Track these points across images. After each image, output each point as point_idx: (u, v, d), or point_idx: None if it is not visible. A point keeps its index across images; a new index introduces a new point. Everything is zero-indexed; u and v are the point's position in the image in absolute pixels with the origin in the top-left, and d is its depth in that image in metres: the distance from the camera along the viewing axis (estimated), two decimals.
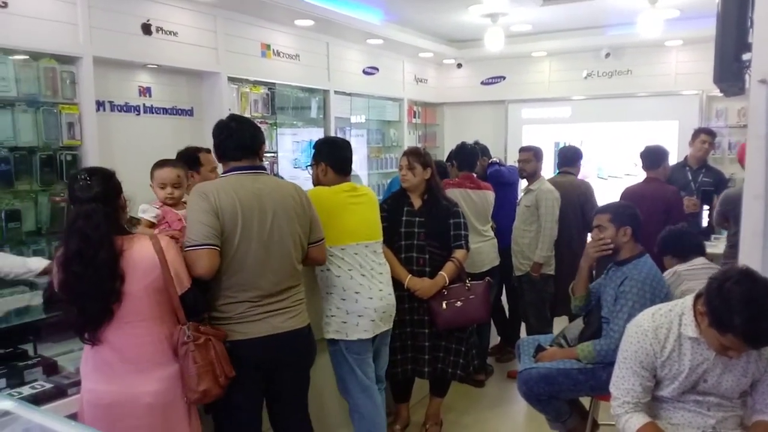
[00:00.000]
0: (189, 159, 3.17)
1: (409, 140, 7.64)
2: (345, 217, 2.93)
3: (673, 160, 4.92)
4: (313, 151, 3.15)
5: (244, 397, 2.38)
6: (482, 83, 8.03)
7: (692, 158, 4.93)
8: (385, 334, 3.13)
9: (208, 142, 3.93)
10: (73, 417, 2.13)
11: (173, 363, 2.16)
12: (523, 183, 4.63)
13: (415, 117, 7.91)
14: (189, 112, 4.86)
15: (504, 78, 7.88)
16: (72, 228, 2.03)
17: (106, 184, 2.10)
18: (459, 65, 8.03)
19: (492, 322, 4.67)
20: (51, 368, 2.38)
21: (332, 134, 6.06)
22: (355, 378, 2.98)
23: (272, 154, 5.54)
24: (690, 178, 4.83)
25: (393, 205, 3.48)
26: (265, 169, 2.55)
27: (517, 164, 4.64)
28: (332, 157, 3.03)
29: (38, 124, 3.68)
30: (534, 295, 4.37)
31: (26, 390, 2.20)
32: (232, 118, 2.61)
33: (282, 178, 4.75)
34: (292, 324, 2.44)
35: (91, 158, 3.84)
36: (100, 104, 4.07)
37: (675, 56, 6.88)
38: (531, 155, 4.42)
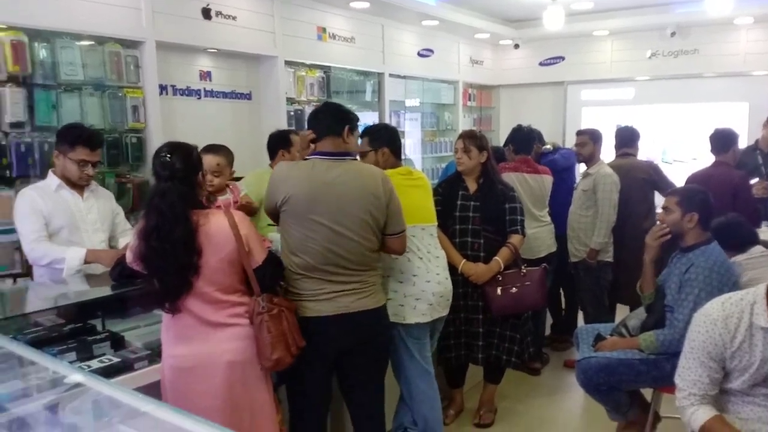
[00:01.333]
0: (281, 139, 3.56)
1: (464, 123, 7.54)
2: (402, 199, 2.89)
3: (743, 143, 4.68)
4: (366, 137, 3.14)
5: (311, 372, 2.47)
6: (540, 64, 7.83)
7: (764, 141, 4.68)
8: (440, 321, 3.11)
9: (265, 125, 4.00)
10: (140, 390, 2.19)
11: (248, 327, 2.26)
12: (580, 166, 4.51)
13: (470, 100, 7.80)
14: (247, 96, 4.92)
15: (563, 58, 7.66)
16: (150, 204, 2.13)
17: (186, 160, 2.19)
18: (516, 46, 7.84)
19: (548, 309, 4.59)
20: (118, 343, 2.45)
21: (387, 118, 6.05)
22: (413, 362, 2.97)
23: None
24: (761, 162, 4.59)
25: (448, 188, 3.45)
26: (350, 155, 2.59)
27: (574, 148, 4.51)
28: (393, 142, 3.07)
29: (104, 107, 3.80)
30: (591, 282, 4.26)
31: (95, 363, 2.26)
32: (324, 103, 2.77)
33: None
34: (361, 304, 2.50)
35: (155, 140, 3.92)
36: (162, 88, 4.18)
37: (745, 35, 6.53)
38: (587, 138, 4.30)
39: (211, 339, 2.21)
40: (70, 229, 2.88)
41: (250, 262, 2.25)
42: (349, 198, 2.45)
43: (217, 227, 2.19)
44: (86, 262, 2.81)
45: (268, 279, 2.31)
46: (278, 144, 3.55)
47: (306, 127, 2.71)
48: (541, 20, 6.14)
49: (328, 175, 2.45)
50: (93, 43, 3.78)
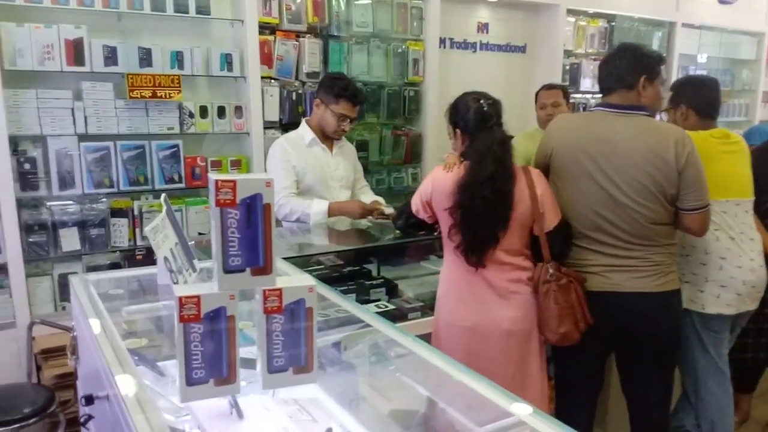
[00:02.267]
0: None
1: (765, 84, 6.35)
2: (713, 168, 2.43)
3: None
4: (669, 92, 2.72)
5: (582, 351, 2.22)
6: None
7: None
8: (745, 315, 2.62)
9: (538, 80, 3.73)
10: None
11: (530, 295, 2.14)
12: None
13: None
14: (521, 49, 4.68)
15: None
16: (488, 152, 2.04)
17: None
18: None
19: None
20: (393, 290, 2.49)
21: (674, 74, 5.32)
22: (706, 358, 2.57)
23: None
24: None
25: (762, 158, 2.85)
26: (642, 109, 2.22)
27: None
28: (696, 99, 2.59)
29: (388, 60, 3.88)
30: None
31: (372, 308, 2.28)
32: (619, 46, 2.37)
33: None
34: (637, 285, 2.17)
35: (431, 95, 3.95)
36: (441, 41, 4.13)
37: None
38: None
39: (490, 302, 2.13)
40: (320, 186, 2.91)
41: (542, 224, 2.09)
42: (628, 157, 2.12)
43: (517, 185, 2.09)
44: (330, 215, 2.82)
45: (558, 245, 2.14)
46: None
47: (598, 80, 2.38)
48: None
49: (606, 129, 2.17)
50: None
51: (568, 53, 4.80)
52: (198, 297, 1.09)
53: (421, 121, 4.06)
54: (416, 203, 2.25)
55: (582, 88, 4.87)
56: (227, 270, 1.12)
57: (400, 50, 3.91)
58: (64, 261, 3.02)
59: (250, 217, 1.09)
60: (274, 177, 2.89)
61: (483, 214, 2.03)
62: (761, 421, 3.18)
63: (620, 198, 2.13)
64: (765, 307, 2.79)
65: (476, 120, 2.09)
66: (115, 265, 3.06)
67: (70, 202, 3.02)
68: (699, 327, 2.52)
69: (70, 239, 2.98)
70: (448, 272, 2.21)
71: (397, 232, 2.71)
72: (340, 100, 2.83)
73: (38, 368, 2.72)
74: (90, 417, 1.40)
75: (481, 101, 2.11)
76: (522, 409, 1.19)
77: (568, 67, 4.72)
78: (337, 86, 2.84)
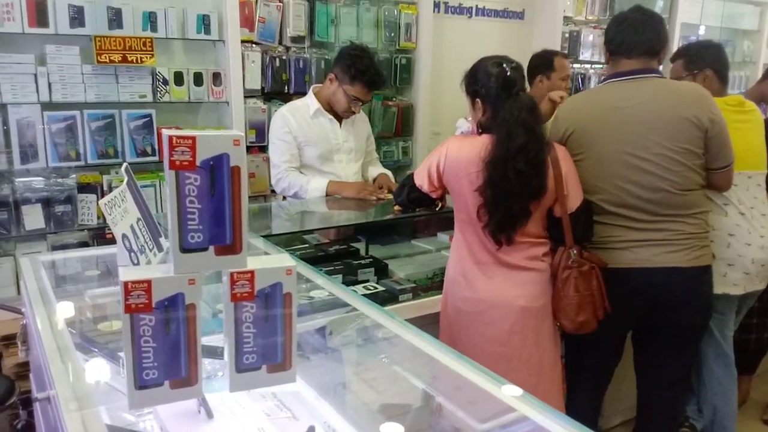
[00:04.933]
0: (543, 62, 3.10)
1: (767, 56, 6.18)
2: None
3: None
4: (681, 59, 2.61)
5: (600, 332, 2.07)
6: None
7: None
8: (753, 295, 2.53)
9: (536, 47, 3.54)
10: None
11: (546, 272, 2.01)
12: None
13: None
14: (519, 15, 4.46)
15: None
16: (516, 121, 1.87)
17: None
18: None
19: None
20: (382, 270, 2.34)
21: (675, 43, 5.12)
22: (711, 341, 2.50)
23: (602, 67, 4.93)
24: None
25: None
26: (654, 72, 2.11)
27: None
28: (718, 63, 2.50)
29: (379, 24, 3.64)
30: None
31: (360, 289, 2.16)
32: (637, 8, 2.18)
33: None
34: (669, 260, 2.03)
35: (424, 63, 3.74)
36: (435, 5, 3.92)
37: None
38: None
39: (504, 281, 1.98)
40: (324, 160, 2.76)
41: (565, 206, 1.94)
42: (647, 122, 2.00)
43: None
44: (328, 194, 2.69)
45: (580, 228, 1.99)
46: (538, 68, 3.11)
47: (604, 44, 2.21)
48: None
49: (620, 98, 2.04)
50: None
51: (567, 20, 4.58)
52: (148, 282, 0.90)
53: (412, 91, 3.86)
54: (422, 176, 2.10)
55: (582, 58, 4.66)
56: (186, 249, 0.93)
57: (392, 13, 3.67)
58: (27, 240, 2.82)
59: (213, 183, 0.90)
60: (274, 150, 2.64)
61: (516, 188, 1.87)
62: (761, 402, 3.11)
63: (645, 167, 2.00)
64: None
65: (499, 87, 1.91)
66: (83, 245, 2.88)
67: (34, 177, 2.82)
68: None
69: (33, 217, 2.77)
70: (460, 252, 2.06)
71: (389, 209, 2.55)
72: (355, 82, 2.63)
73: None
74: (30, 424, 1.22)
75: (504, 65, 1.92)
76: (527, 404, 1.07)
77: (567, 35, 4.51)
78: (355, 67, 2.62)
